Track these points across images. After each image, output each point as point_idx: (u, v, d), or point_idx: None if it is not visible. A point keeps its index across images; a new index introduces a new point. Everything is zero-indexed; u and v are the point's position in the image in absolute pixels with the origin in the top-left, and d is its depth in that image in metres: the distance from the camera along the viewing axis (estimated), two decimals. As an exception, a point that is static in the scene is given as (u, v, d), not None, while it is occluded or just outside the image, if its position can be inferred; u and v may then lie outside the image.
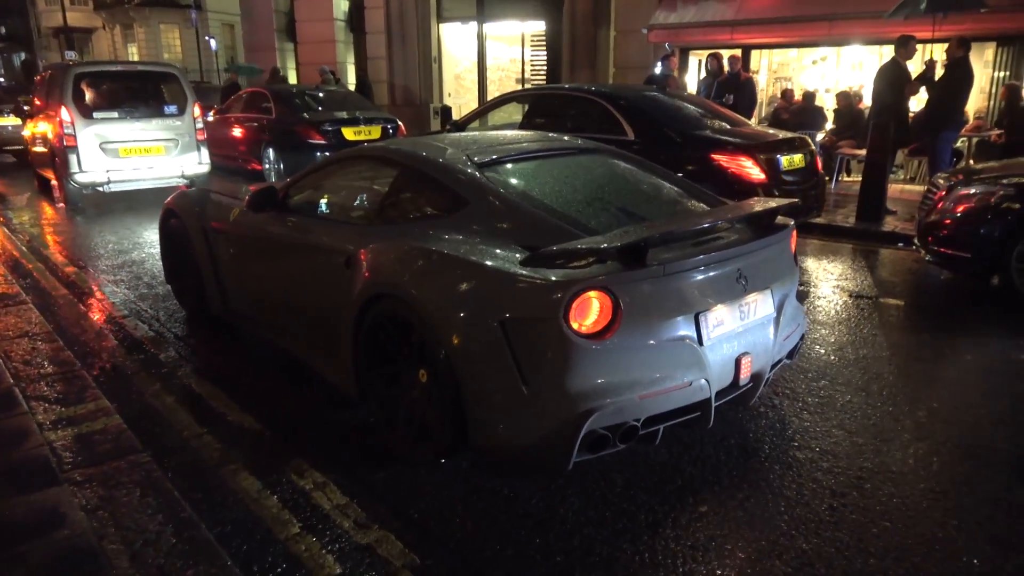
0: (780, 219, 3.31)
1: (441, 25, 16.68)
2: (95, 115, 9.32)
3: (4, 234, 7.78)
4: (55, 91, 9.59)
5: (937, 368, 4.31)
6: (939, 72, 8.07)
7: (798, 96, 10.89)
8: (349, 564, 2.48)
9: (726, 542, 2.61)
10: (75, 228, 8.44)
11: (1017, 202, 5.03)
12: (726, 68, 10.05)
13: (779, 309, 3.13)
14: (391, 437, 3.19)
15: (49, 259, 6.79)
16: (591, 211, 3.16)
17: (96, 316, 5.11)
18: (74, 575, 2.30)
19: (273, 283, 4.04)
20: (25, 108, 14.33)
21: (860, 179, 8.49)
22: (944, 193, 5.48)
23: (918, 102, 9.17)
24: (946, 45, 7.84)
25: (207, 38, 30.57)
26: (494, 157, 3.49)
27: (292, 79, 18.86)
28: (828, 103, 11.49)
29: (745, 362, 2.93)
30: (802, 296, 5.54)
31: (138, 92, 9.92)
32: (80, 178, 9.21)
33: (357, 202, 3.97)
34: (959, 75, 7.59)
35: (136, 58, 34.73)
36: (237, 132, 11.76)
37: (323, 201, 4.04)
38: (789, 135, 6.63)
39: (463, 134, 4.52)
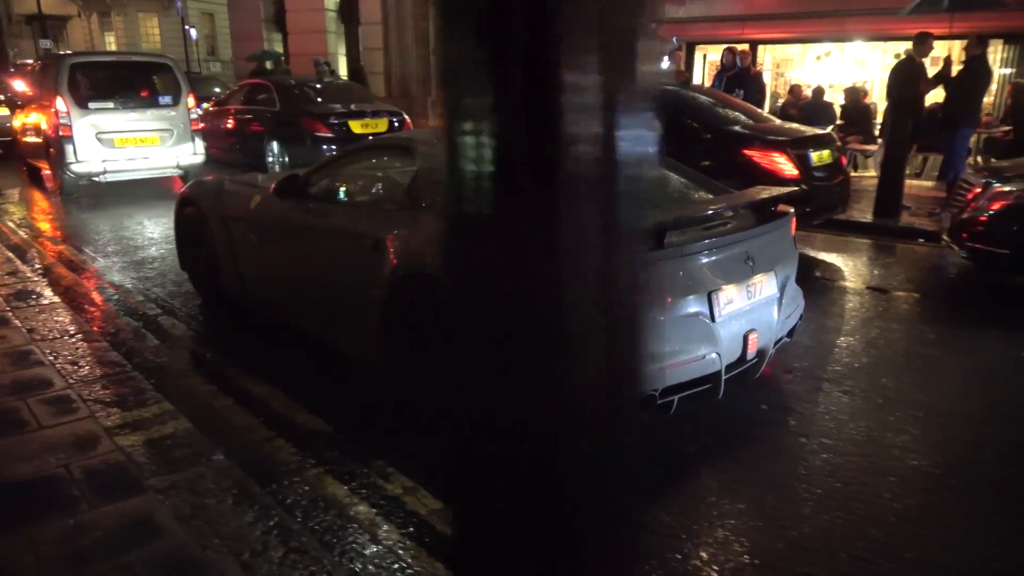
0: (781, 207, 3.58)
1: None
2: (90, 105, 9.24)
3: (8, 229, 7.54)
4: (49, 81, 9.43)
5: (958, 359, 4.35)
6: (955, 69, 8.15)
7: (806, 92, 10.94)
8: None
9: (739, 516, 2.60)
10: (78, 219, 8.22)
11: (1056, 199, 5.09)
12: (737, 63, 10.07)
13: (782, 290, 3.42)
14: (425, 412, 3.35)
15: (63, 253, 6.59)
16: None
17: (128, 313, 4.96)
18: (188, 588, 2.22)
19: (296, 267, 4.16)
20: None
21: (869, 174, 8.59)
22: (979, 190, 5.52)
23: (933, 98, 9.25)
24: (962, 42, 7.91)
25: (186, 27, 29.97)
26: None
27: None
28: (831, 99, 11.58)
29: (752, 338, 3.18)
30: (825, 290, 5.58)
31: (132, 82, 9.90)
32: (76, 168, 9.12)
33: (382, 189, 4.14)
34: (977, 73, 7.67)
35: (113, 47, 33.95)
36: (237, 125, 11.54)
37: (347, 188, 4.19)
38: (817, 131, 6.63)
39: None
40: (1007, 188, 5.36)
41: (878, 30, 10.28)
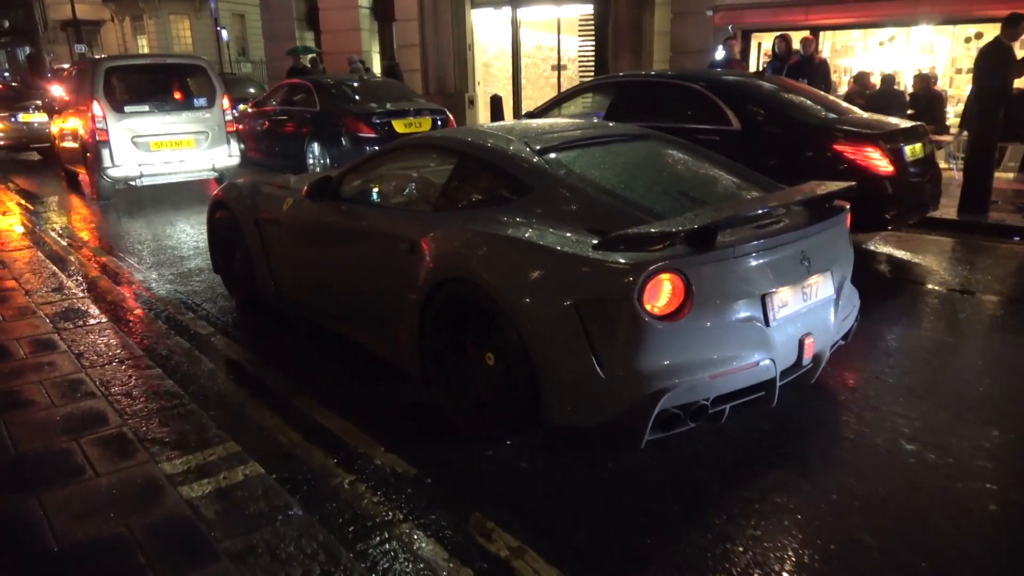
0: (836, 202, 3.36)
1: (472, 11, 16.10)
2: (126, 109, 9.16)
3: (51, 239, 7.31)
4: (85, 85, 9.30)
5: None
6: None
7: (873, 80, 10.33)
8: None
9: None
10: (119, 227, 7.97)
11: None
12: (798, 50, 9.51)
13: (838, 291, 3.23)
14: (459, 417, 3.26)
15: (107, 266, 6.32)
16: (654, 196, 3.23)
17: (180, 331, 4.63)
18: None
19: (331, 270, 4.09)
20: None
21: (941, 167, 7.96)
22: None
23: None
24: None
25: (218, 28, 29.92)
26: (553, 144, 3.54)
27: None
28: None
29: (808, 342, 3.01)
30: (904, 292, 5.09)
31: (167, 85, 9.84)
32: (113, 172, 9.06)
33: (416, 190, 4.04)
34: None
35: (146, 50, 34.10)
36: (276, 127, 11.25)
37: (381, 189, 4.09)
38: (908, 123, 6.11)
39: (517, 122, 4.51)
40: None
41: (956, 12, 9.61)
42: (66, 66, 19.54)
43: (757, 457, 3.08)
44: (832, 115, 5.95)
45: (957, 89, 11.95)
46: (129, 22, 36.44)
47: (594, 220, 2.96)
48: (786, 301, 2.94)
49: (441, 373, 3.32)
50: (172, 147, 9.39)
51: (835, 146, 5.51)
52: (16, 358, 3.96)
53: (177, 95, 9.82)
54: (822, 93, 6.88)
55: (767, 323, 2.85)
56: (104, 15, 37.06)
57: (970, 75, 13.18)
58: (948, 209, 7.62)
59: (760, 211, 2.98)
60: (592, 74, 13.62)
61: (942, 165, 9.37)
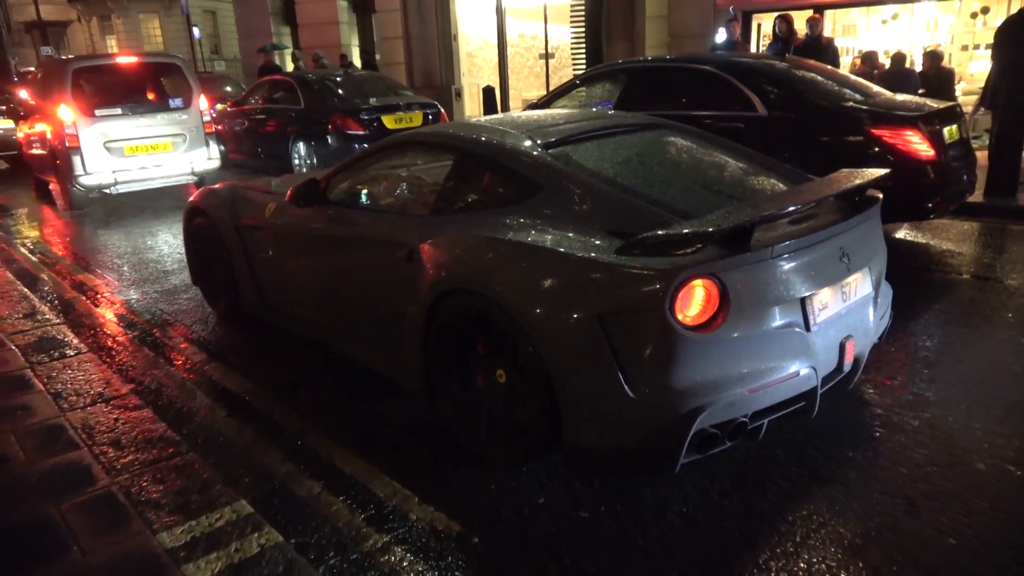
0: (869, 192, 3.11)
1: (457, 0, 15.58)
2: (97, 112, 8.61)
3: (21, 255, 6.77)
4: (52, 88, 8.76)
5: None
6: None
7: (881, 60, 9.97)
8: None
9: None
10: (96, 240, 7.43)
11: None
12: (803, 31, 9.13)
13: (876, 287, 3.02)
14: (469, 440, 2.99)
15: (84, 284, 5.80)
16: (676, 192, 2.96)
17: (170, 362, 4.16)
18: None
19: (321, 281, 3.81)
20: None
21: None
22: None
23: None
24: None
25: (190, 26, 29.09)
26: (558, 137, 3.27)
27: (289, 67, 17.62)
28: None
29: (849, 345, 2.78)
30: (929, 282, 4.77)
31: (140, 85, 9.30)
32: (85, 181, 8.54)
33: (411, 191, 3.79)
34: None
35: (115, 51, 33.16)
36: (258, 126, 10.72)
37: (372, 192, 3.82)
38: (944, 103, 5.73)
39: (517, 114, 4.16)
40: None
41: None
42: (32, 69, 18.77)
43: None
44: (860, 97, 5.57)
45: (959, 67, 11.67)
46: (97, 22, 35.43)
47: (613, 221, 2.69)
48: (826, 303, 2.70)
49: (449, 393, 3.05)
50: (148, 151, 8.89)
51: (873, 130, 5.11)
52: (-16, 401, 3.48)
53: (151, 96, 9.32)
54: (847, 75, 6.50)
55: (808, 328, 2.61)
56: (71, 15, 36.00)
57: (974, 51, 13.00)
58: (976, 191, 7.29)
59: (797, 206, 2.66)
60: (584, 63, 13.17)
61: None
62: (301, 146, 9.83)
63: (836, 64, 9.01)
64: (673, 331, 2.33)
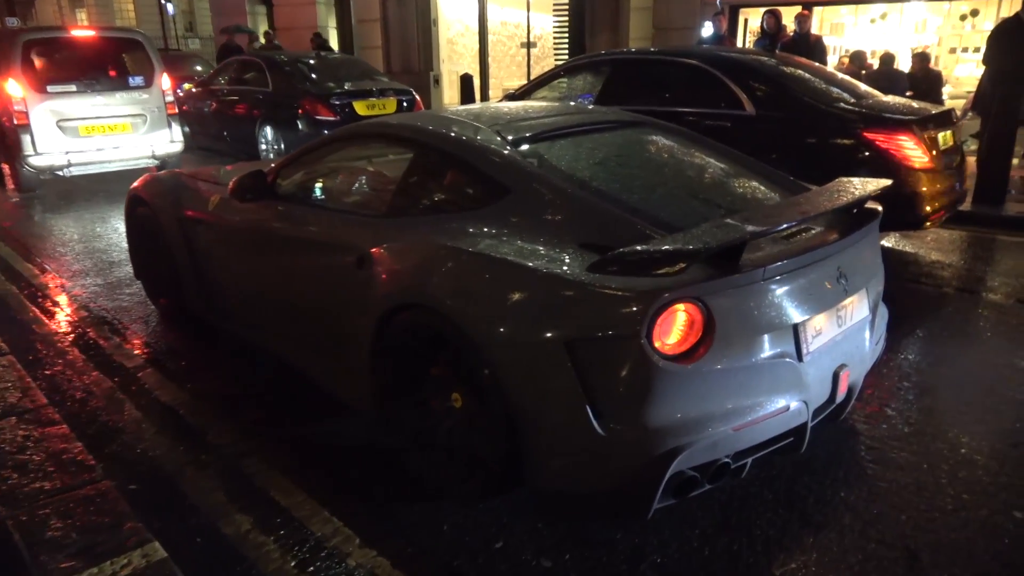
0: (869, 205, 2.85)
1: (437, -16, 15.15)
2: (49, 89, 8.07)
3: (-42, 240, 6.31)
4: (1, 61, 8.15)
5: None
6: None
7: (870, 60, 9.76)
8: None
9: None
10: (42, 225, 6.97)
11: None
12: (792, 27, 8.89)
13: (873, 311, 2.78)
14: (422, 470, 2.71)
15: (21, 275, 5.37)
16: (657, 199, 2.69)
17: (100, 367, 3.78)
18: None
19: (266, 283, 3.49)
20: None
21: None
22: None
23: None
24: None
25: (163, 2, 28.21)
26: (531, 134, 2.98)
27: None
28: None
29: (843, 375, 2.54)
30: (916, 295, 4.59)
31: (98, 62, 8.70)
32: (36, 161, 8.01)
33: (367, 189, 3.56)
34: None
35: (84, 25, 32.13)
36: (224, 108, 10.25)
37: (325, 186, 3.59)
38: (938, 107, 5.49)
39: (487, 105, 3.88)
40: None
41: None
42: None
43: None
44: (852, 98, 5.31)
45: (946, 69, 11.51)
46: (67, -6, 34.32)
47: (587, 232, 2.42)
48: (820, 328, 2.44)
49: (400, 417, 2.77)
50: (105, 132, 8.35)
51: (865, 133, 4.85)
52: None
53: (111, 73, 8.75)
54: (837, 73, 6.23)
55: (800, 358, 2.35)
56: (39, -13, 34.84)
57: (962, 54, 12.87)
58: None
59: (793, 222, 2.38)
60: (567, 53, 12.84)
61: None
62: (268, 131, 9.39)
63: (824, 62, 8.79)
64: (650, 361, 2.07)
